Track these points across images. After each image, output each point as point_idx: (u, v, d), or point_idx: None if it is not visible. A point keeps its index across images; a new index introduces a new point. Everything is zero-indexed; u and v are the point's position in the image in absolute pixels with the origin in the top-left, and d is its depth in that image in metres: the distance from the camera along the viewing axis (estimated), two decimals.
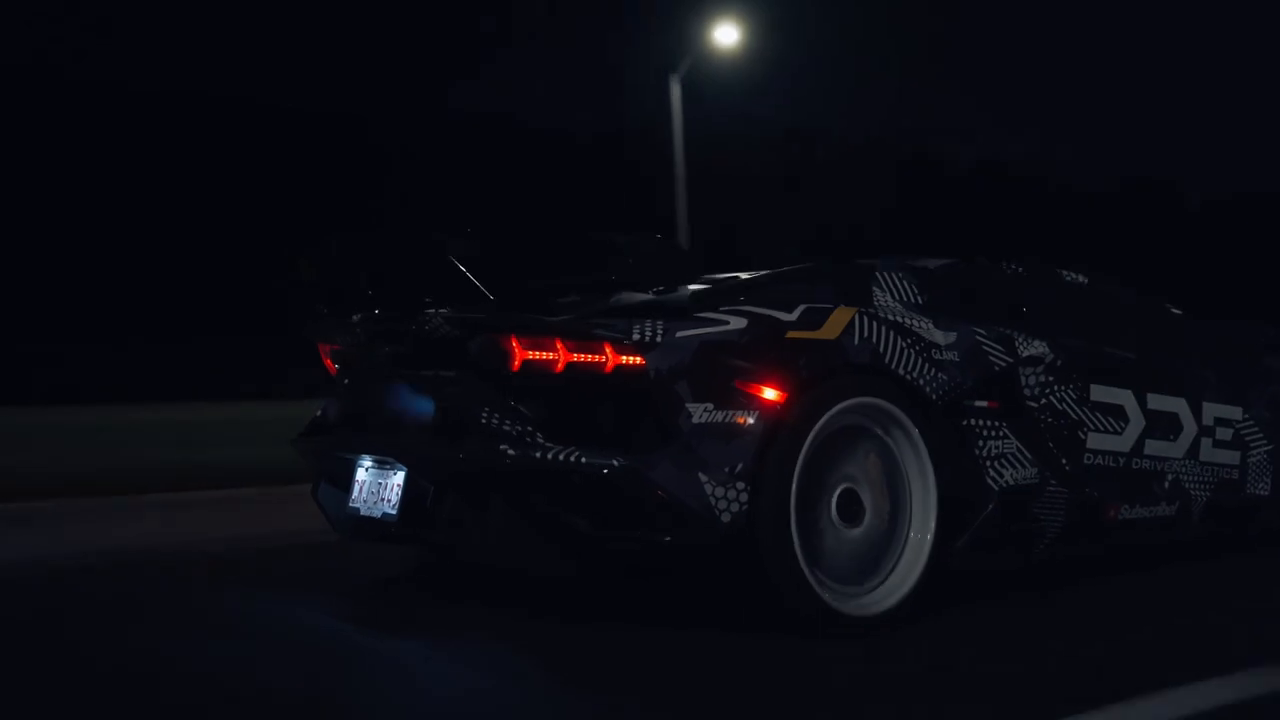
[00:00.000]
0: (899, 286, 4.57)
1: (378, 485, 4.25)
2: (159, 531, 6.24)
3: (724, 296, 4.15)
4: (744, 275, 4.57)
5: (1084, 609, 4.53)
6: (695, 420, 3.74)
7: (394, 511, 4.17)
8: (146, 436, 10.88)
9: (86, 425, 12.20)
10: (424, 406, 4.13)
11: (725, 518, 3.70)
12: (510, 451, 3.79)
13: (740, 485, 3.71)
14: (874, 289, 4.48)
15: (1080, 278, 5.34)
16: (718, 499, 3.70)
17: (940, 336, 4.33)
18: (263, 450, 8.13)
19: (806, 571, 3.88)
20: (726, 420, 3.76)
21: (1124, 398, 4.83)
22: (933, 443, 4.18)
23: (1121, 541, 4.80)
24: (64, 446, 10.19)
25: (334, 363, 4.72)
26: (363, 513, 4.28)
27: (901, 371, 4.15)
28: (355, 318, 4.54)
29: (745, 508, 3.71)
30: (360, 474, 4.35)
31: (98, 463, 8.76)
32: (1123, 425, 4.79)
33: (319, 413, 4.74)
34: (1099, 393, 4.74)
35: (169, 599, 4.71)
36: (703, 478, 3.68)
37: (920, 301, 4.54)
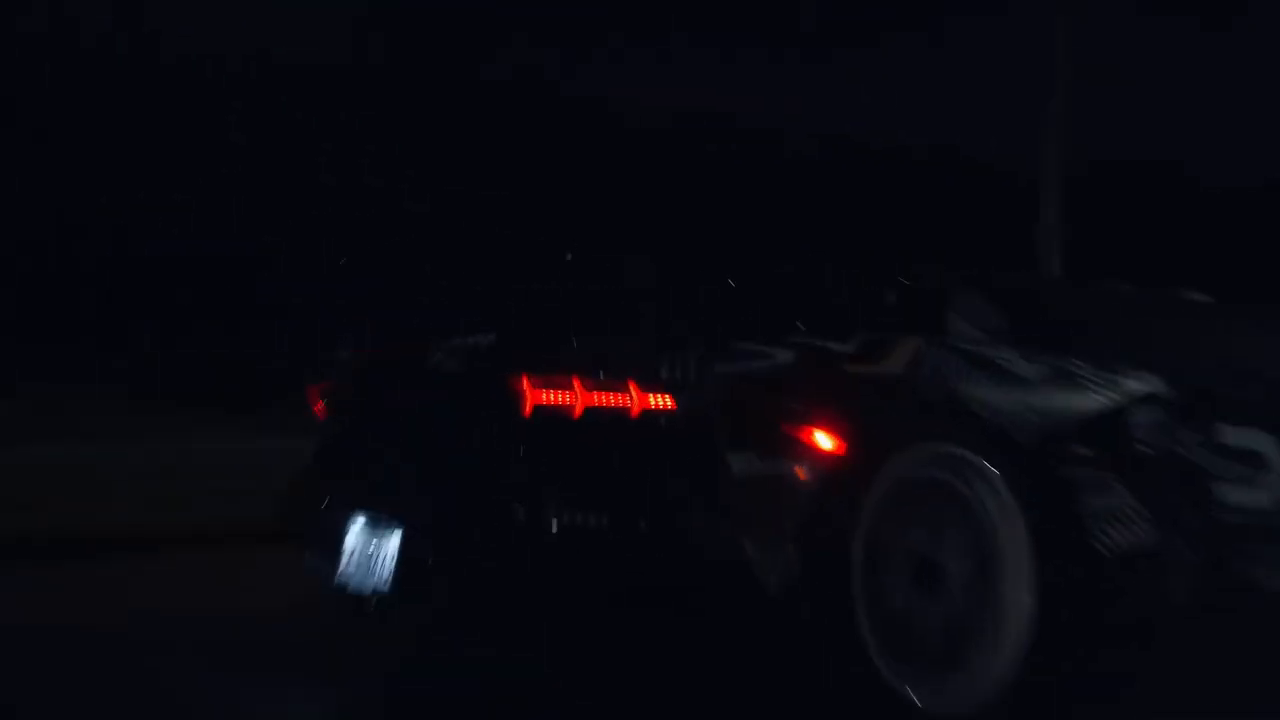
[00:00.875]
0: (978, 309, 4.29)
1: (370, 551, 4.00)
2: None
3: (760, 324, 3.98)
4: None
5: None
6: (735, 472, 3.54)
7: (385, 586, 3.92)
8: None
9: None
10: (423, 455, 3.97)
11: (773, 586, 3.50)
12: (521, 512, 3.63)
13: (790, 550, 3.50)
14: (948, 312, 4.22)
15: (1203, 297, 4.93)
16: (764, 563, 3.50)
17: (1030, 370, 4.07)
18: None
19: (874, 654, 3.64)
20: (773, 472, 3.57)
21: (1262, 441, 4.38)
22: (1023, 498, 3.86)
23: (1269, 617, 4.46)
24: None
25: (324, 406, 4.51)
26: (351, 587, 4.04)
27: (983, 412, 3.87)
28: (345, 355, 4.45)
29: (796, 573, 3.50)
30: (351, 536, 4.09)
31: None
32: (1261, 474, 4.36)
33: (305, 464, 4.53)
34: (1230, 435, 4.33)
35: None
36: (745, 538, 3.48)
37: (1004, 327, 4.26)
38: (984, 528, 3.88)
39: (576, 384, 3.71)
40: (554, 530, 3.66)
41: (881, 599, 3.72)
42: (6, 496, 7.36)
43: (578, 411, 3.70)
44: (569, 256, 3.99)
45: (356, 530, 4.11)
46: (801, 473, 3.61)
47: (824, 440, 3.64)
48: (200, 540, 7.01)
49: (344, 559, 4.10)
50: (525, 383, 3.75)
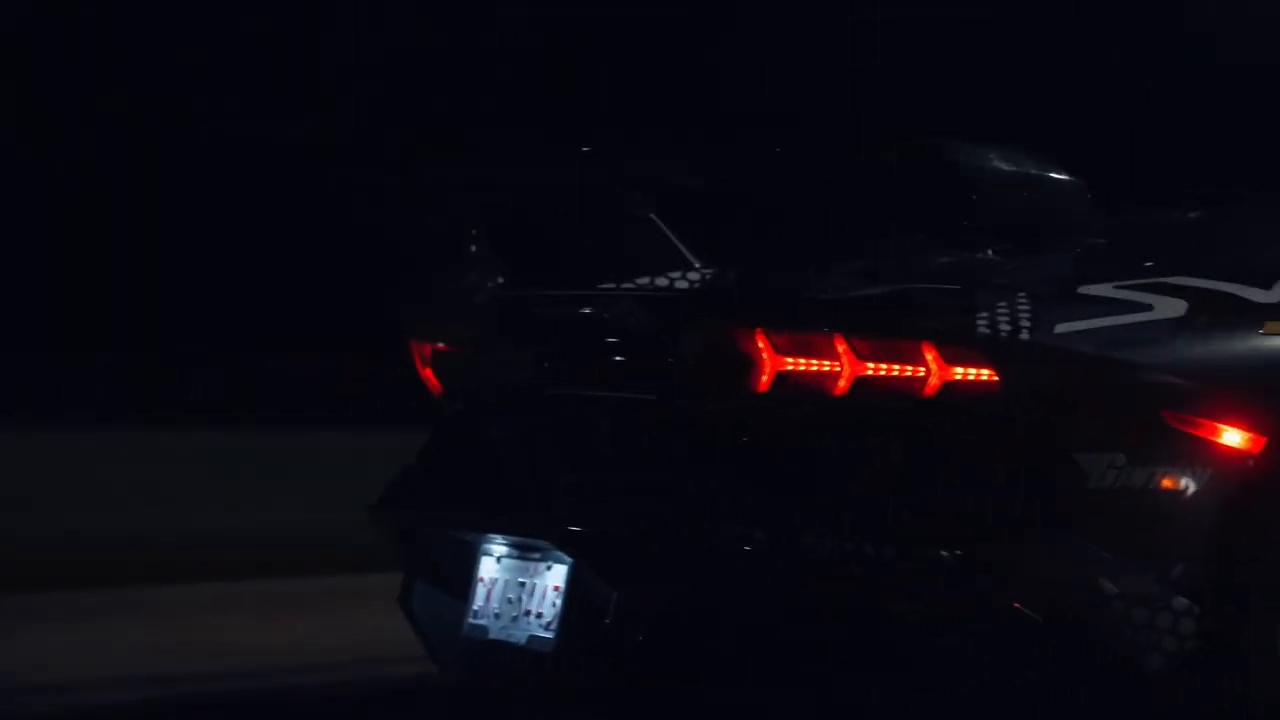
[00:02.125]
0: None
1: (519, 588, 3.58)
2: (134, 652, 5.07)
3: (1131, 256, 3.42)
4: (1167, 210, 3.79)
5: None
6: (1093, 484, 3.08)
7: (549, 634, 3.45)
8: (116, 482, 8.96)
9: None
10: (600, 453, 3.51)
11: (1154, 659, 3.04)
12: (758, 534, 3.17)
13: (1180, 604, 3.06)
14: None
15: None
16: (1139, 622, 3.04)
17: None
18: (299, 513, 6.93)
19: None
20: (1152, 485, 3.10)
21: None
22: None
23: None
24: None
25: (439, 376, 3.92)
26: (491, 634, 3.58)
27: None
28: (478, 298, 3.79)
29: (1192, 640, 3.06)
30: (486, 568, 3.65)
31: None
32: None
33: (413, 462, 3.99)
34: None
35: None
36: (1109, 588, 3.04)
37: None
38: None
39: (841, 345, 3.19)
40: (807, 565, 3.16)
41: None
42: None
43: (843, 386, 3.19)
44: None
45: (494, 560, 3.70)
46: (1198, 488, 3.14)
47: (1234, 438, 3.16)
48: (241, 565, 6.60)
49: (475, 597, 3.67)
50: (762, 341, 3.23)
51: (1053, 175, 3.71)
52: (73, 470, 8.76)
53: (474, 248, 3.85)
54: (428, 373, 3.91)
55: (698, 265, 3.48)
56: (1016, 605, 3.04)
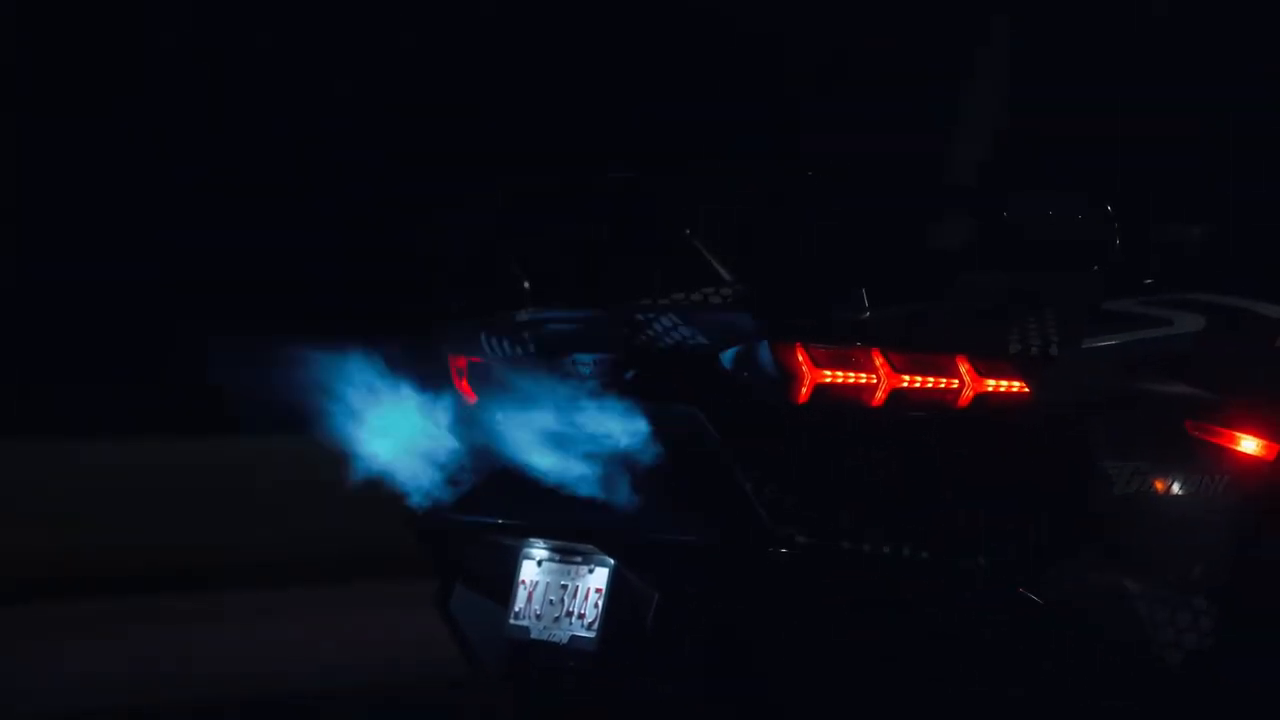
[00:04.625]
0: None
1: (560, 590, 3.62)
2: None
3: (1152, 274, 3.47)
4: (1185, 228, 3.82)
5: None
6: (1118, 490, 3.16)
7: (591, 634, 3.49)
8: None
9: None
10: (640, 459, 3.51)
11: (1172, 657, 3.11)
12: (800, 539, 3.19)
13: (1199, 603, 3.13)
14: None
15: None
16: (1158, 625, 3.11)
17: None
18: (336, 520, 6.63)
19: None
20: (1173, 491, 3.19)
21: None
22: None
23: None
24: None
25: (475, 387, 3.99)
26: (533, 635, 3.62)
27: None
28: (517, 314, 3.84)
29: (1210, 641, 3.12)
30: (528, 570, 3.70)
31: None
32: None
33: (451, 469, 3.98)
34: None
35: None
36: (1132, 587, 3.12)
37: None
38: None
39: (878, 358, 3.25)
40: (845, 570, 3.22)
41: None
42: None
43: (879, 398, 3.25)
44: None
45: (536, 562, 3.75)
46: (1220, 494, 3.21)
47: (1250, 446, 3.23)
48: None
49: (517, 599, 3.71)
50: (801, 355, 3.27)
51: (1079, 198, 3.81)
52: None
53: (511, 265, 3.87)
54: (463, 384, 3.98)
55: (731, 280, 3.49)
56: (1046, 605, 3.07)
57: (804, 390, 3.24)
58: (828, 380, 3.24)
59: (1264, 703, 3.16)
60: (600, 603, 3.50)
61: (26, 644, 5.42)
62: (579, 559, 3.58)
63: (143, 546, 7.08)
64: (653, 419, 3.54)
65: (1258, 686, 3.15)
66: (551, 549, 3.64)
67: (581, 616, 3.53)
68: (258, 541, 7.18)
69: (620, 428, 3.59)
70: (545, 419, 3.78)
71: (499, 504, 3.81)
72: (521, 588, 3.67)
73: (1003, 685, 3.17)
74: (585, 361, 3.74)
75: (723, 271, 3.50)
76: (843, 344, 3.25)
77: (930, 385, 3.23)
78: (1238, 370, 3.27)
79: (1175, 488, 3.18)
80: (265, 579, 6.62)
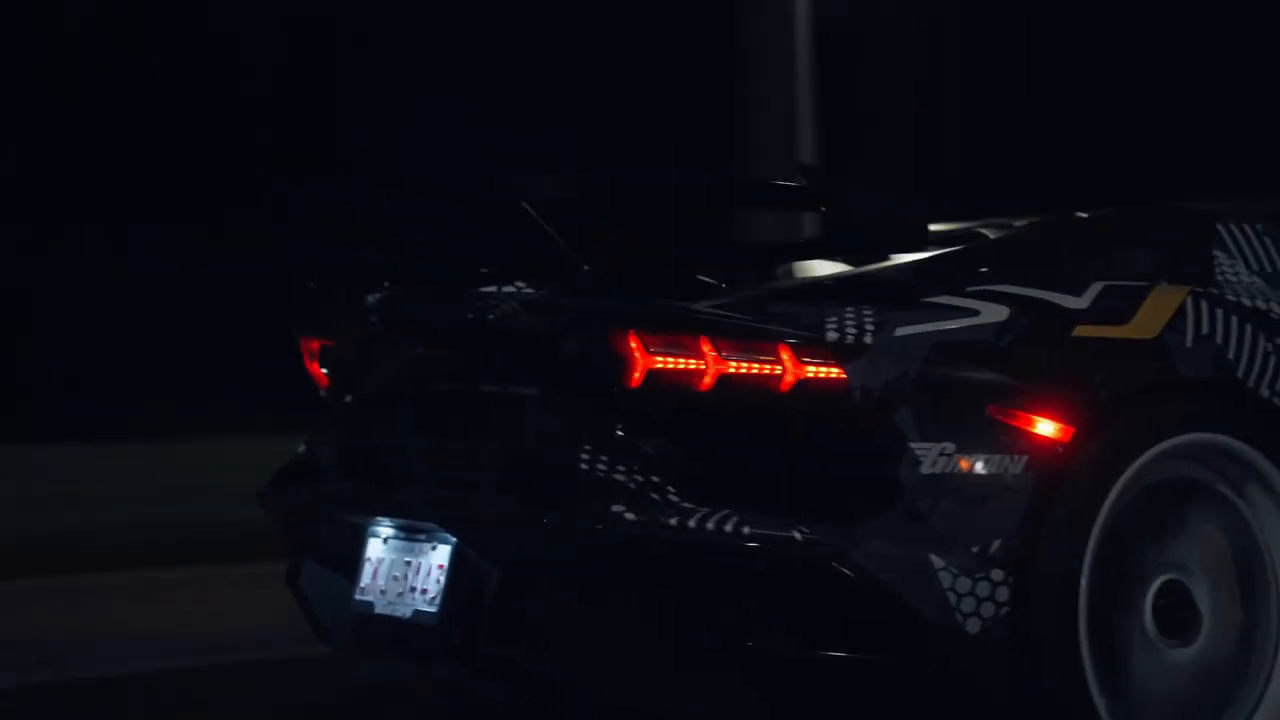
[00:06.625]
0: (1259, 247, 3.78)
1: (404, 567, 3.61)
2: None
3: (962, 267, 3.53)
4: (987, 228, 3.87)
5: None
6: (925, 470, 3.23)
7: (432, 609, 3.51)
8: None
9: None
10: (484, 442, 3.57)
11: (972, 625, 3.17)
12: (629, 516, 3.25)
13: (998, 574, 3.18)
14: (1216, 253, 3.70)
15: None
16: (960, 595, 3.17)
17: None
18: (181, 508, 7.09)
19: (1104, 715, 3.24)
20: (976, 470, 3.25)
21: None
22: None
23: None
24: None
25: (329, 370, 3.99)
26: (377, 609, 3.63)
27: (1266, 391, 3.44)
28: (368, 297, 3.85)
29: (1006, 610, 3.18)
30: (374, 548, 3.69)
31: None
32: None
33: (302, 449, 4.03)
34: None
35: None
36: (936, 561, 3.17)
37: None
38: (1257, 549, 3.50)
39: (706, 345, 3.29)
40: (673, 544, 3.28)
41: (1116, 642, 3.35)
42: None
43: (707, 383, 3.29)
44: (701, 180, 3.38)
45: (382, 540, 3.76)
46: (1015, 473, 3.28)
47: (1047, 428, 3.30)
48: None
49: (364, 576, 3.73)
50: (634, 341, 3.32)
51: (897, 192, 3.86)
52: None
53: (367, 247, 3.86)
54: (315, 366, 3.99)
55: (585, 267, 3.53)
56: (857, 578, 3.13)
57: (636, 375, 3.27)
58: (659, 366, 3.27)
59: (1046, 659, 3.23)
60: (442, 579, 3.52)
61: None
62: (422, 537, 3.60)
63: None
64: (494, 400, 3.59)
65: (1041, 645, 3.21)
66: (396, 527, 3.67)
67: (424, 592, 3.55)
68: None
69: (463, 408, 3.64)
70: (392, 400, 3.83)
71: (347, 483, 3.84)
72: (368, 564, 3.69)
73: (817, 656, 3.25)
74: (431, 343, 3.77)
75: (571, 256, 3.55)
76: (673, 331, 3.28)
77: (754, 371, 3.26)
78: (1037, 358, 3.33)
79: (978, 467, 3.22)
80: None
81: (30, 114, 14.14)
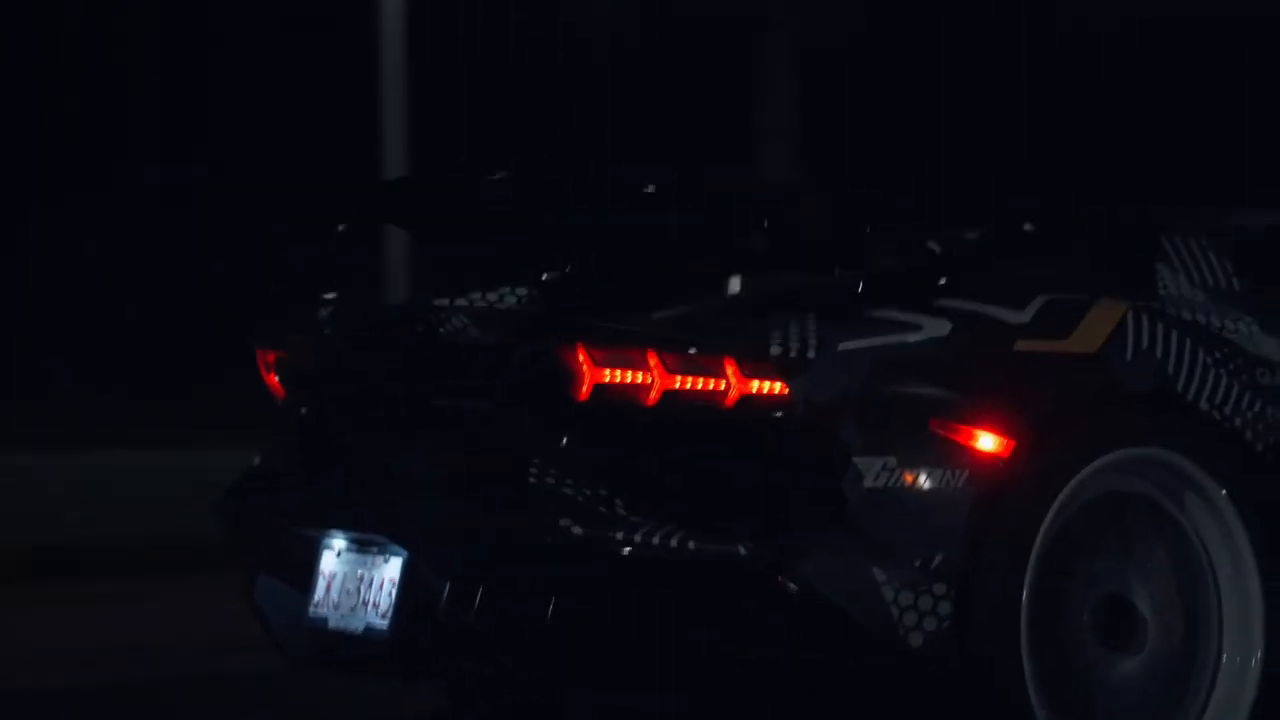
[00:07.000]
0: (1202, 261, 3.77)
1: (357, 580, 3.63)
2: None
3: (906, 281, 3.58)
4: (933, 242, 3.90)
5: None
6: (868, 484, 3.25)
7: (384, 623, 3.54)
8: None
9: None
10: (435, 455, 3.57)
11: (914, 639, 3.20)
12: (577, 530, 3.28)
13: (939, 588, 3.22)
14: (1159, 265, 3.71)
15: None
16: (903, 609, 3.20)
17: (1273, 346, 3.62)
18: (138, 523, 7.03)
19: None
20: (918, 484, 3.28)
21: None
22: (1255, 521, 3.49)
23: None
24: None
25: (283, 381, 3.99)
26: (331, 624, 3.65)
27: (1205, 405, 3.46)
28: (320, 309, 3.88)
29: (947, 623, 3.21)
30: (327, 561, 3.71)
31: None
32: None
33: (256, 462, 4.05)
34: None
35: None
36: (879, 575, 3.20)
37: (1238, 287, 3.78)
38: (1198, 562, 3.52)
39: (653, 359, 3.32)
40: (620, 557, 3.31)
41: (1058, 655, 3.37)
42: None
43: (653, 397, 3.33)
44: (649, 188, 3.38)
45: (335, 553, 3.77)
46: (957, 487, 3.31)
47: (988, 443, 3.32)
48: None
49: (317, 589, 3.74)
50: (582, 355, 3.35)
51: (839, 207, 3.93)
52: None
53: (328, 259, 3.86)
54: (271, 378, 4.01)
55: (544, 277, 3.58)
56: (801, 592, 3.15)
57: (584, 389, 3.30)
58: (606, 380, 3.30)
59: (988, 671, 3.26)
60: (394, 592, 3.53)
61: None
62: (374, 550, 3.61)
63: None
64: (445, 413, 3.59)
65: (982, 658, 3.23)
66: (349, 540, 3.68)
67: (376, 605, 3.56)
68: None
69: (414, 421, 3.64)
70: (344, 412, 3.83)
71: (299, 496, 3.85)
72: (321, 578, 3.70)
73: (762, 667, 3.26)
74: (384, 355, 3.78)
75: (533, 270, 3.62)
76: (621, 345, 3.31)
77: (699, 386, 3.29)
78: (979, 373, 3.36)
79: (921, 482, 3.25)
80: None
81: None
